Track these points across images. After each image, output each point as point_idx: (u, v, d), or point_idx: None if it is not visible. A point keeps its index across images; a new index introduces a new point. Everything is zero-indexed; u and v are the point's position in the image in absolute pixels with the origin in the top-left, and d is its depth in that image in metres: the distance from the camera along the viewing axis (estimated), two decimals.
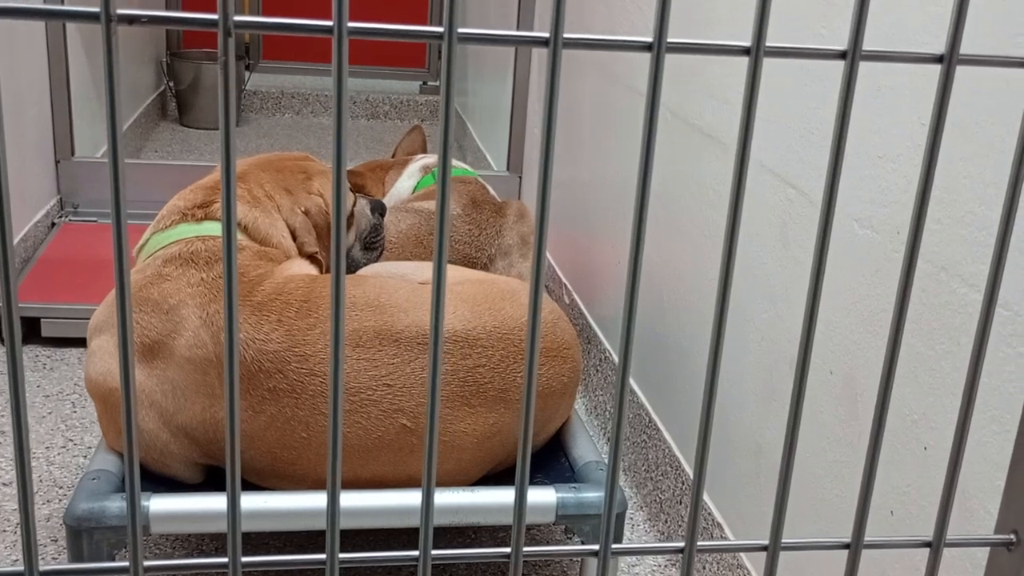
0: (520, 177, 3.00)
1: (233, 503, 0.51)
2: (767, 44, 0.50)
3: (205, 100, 4.23)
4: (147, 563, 0.53)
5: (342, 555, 0.55)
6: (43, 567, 0.53)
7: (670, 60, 1.71)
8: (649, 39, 0.49)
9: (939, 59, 0.52)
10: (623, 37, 0.50)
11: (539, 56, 2.82)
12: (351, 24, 0.46)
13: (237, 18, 0.45)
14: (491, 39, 0.49)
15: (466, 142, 3.96)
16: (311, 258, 1.54)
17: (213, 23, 0.45)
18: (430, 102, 4.75)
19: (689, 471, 1.65)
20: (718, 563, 1.52)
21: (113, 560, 1.26)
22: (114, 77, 0.45)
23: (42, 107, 2.70)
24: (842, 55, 0.51)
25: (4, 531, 1.64)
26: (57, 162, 2.81)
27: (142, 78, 4.06)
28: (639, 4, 1.94)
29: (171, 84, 4.28)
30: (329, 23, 0.46)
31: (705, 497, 1.57)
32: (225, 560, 0.54)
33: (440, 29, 0.47)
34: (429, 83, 4.88)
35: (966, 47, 0.98)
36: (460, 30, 0.47)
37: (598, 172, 2.18)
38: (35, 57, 2.64)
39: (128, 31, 3.64)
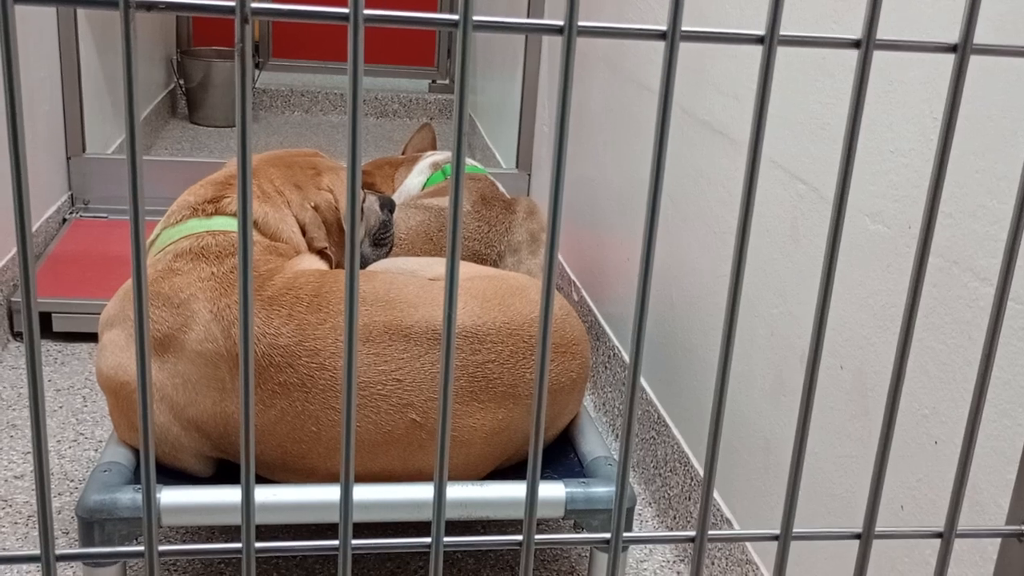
0: (529, 175, 3.00)
1: (247, 488, 0.52)
2: (780, 34, 0.51)
3: (215, 98, 4.24)
4: (161, 548, 0.54)
5: (355, 541, 0.55)
6: (58, 551, 0.53)
7: (680, 56, 1.71)
8: (663, 27, 0.49)
9: (953, 48, 0.52)
10: (637, 25, 0.50)
11: (549, 53, 2.82)
12: (367, 11, 0.47)
13: (254, 5, 0.46)
14: (505, 27, 0.49)
15: (475, 140, 3.96)
16: (321, 253, 1.54)
17: (230, 10, 0.46)
18: (439, 100, 4.76)
19: (698, 467, 1.65)
20: (727, 558, 1.52)
21: None
22: (132, 64, 0.45)
23: (53, 103, 2.71)
24: (856, 44, 0.51)
25: (16, 523, 1.64)
26: (68, 158, 2.82)
27: (153, 76, 4.08)
28: (649, 2, 1.94)
29: (181, 82, 4.29)
30: (345, 10, 0.46)
31: (714, 493, 1.57)
32: (239, 546, 0.55)
33: (455, 16, 0.47)
34: (438, 81, 4.89)
35: (978, 39, 0.98)
36: (475, 17, 0.47)
37: (607, 169, 2.18)
38: (46, 53, 2.65)
39: (139, 29, 3.65)
